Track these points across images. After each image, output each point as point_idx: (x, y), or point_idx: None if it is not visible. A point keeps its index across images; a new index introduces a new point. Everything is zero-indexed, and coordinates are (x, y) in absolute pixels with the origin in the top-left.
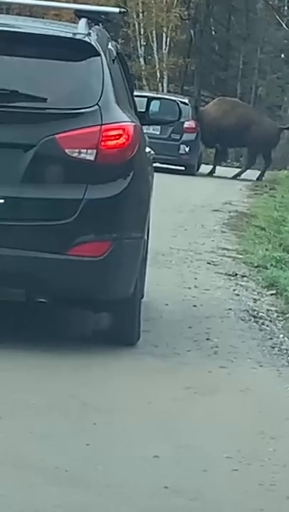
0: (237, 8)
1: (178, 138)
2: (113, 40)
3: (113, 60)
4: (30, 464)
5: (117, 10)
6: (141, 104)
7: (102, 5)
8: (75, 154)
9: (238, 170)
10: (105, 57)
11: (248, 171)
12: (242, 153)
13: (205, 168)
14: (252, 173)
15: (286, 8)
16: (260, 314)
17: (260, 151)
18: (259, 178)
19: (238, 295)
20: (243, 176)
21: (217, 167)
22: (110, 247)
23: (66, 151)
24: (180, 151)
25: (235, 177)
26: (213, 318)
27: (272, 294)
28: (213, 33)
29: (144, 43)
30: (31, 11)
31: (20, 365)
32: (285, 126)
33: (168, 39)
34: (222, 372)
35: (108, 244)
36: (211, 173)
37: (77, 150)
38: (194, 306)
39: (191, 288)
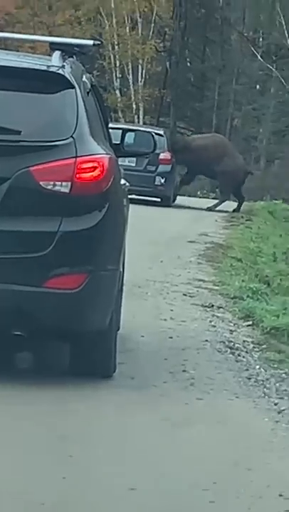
0: (212, 40)
1: (153, 169)
2: (88, 72)
3: (88, 93)
4: (7, 496)
5: (91, 42)
6: (116, 136)
7: (77, 37)
8: (50, 187)
9: (215, 201)
10: (80, 89)
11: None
12: (218, 185)
13: (181, 200)
14: (228, 204)
15: (261, 39)
16: (237, 345)
17: (229, 185)
18: (236, 210)
19: (214, 326)
20: (219, 208)
21: (193, 198)
22: (86, 279)
23: (41, 183)
24: (155, 183)
25: (210, 209)
26: (190, 350)
27: (248, 325)
28: (189, 64)
29: (120, 75)
30: (6, 44)
31: None
32: (252, 172)
33: (144, 71)
34: (198, 404)
35: (84, 276)
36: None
37: (52, 182)
38: (170, 337)
39: (167, 320)
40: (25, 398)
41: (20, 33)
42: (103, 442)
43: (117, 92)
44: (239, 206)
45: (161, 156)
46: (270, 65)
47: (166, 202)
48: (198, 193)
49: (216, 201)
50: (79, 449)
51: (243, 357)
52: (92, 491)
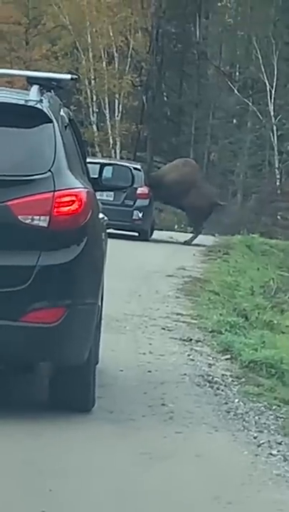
0: (189, 74)
1: (131, 204)
2: (65, 106)
3: (65, 127)
4: None
5: (68, 76)
6: (94, 171)
7: (54, 72)
8: (28, 221)
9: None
10: (57, 123)
11: (200, 235)
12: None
13: (158, 234)
14: (205, 238)
15: (237, 73)
16: (215, 379)
17: (199, 217)
18: (187, 242)
19: (192, 360)
20: (196, 242)
21: (171, 232)
22: (64, 314)
23: (19, 217)
24: (133, 217)
25: (186, 243)
26: (168, 384)
27: (227, 359)
28: (166, 99)
29: (97, 110)
30: None
31: None
32: (221, 203)
33: (120, 105)
34: (177, 438)
35: (62, 310)
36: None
37: (30, 217)
38: (149, 371)
39: (146, 353)
40: (1, 431)
41: None
42: (82, 476)
43: (94, 126)
44: (192, 238)
45: (139, 190)
46: (246, 99)
47: (144, 236)
48: (176, 226)
49: (191, 235)
50: (58, 483)
51: (222, 390)
52: None
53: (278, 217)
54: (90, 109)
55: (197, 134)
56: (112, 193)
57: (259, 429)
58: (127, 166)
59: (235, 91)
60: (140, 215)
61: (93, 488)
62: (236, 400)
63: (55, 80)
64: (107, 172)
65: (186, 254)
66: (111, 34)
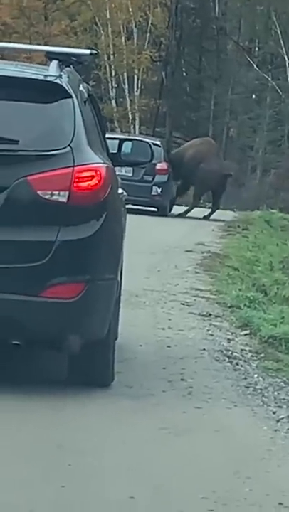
0: (208, 50)
1: (150, 179)
2: (84, 82)
3: (85, 102)
4: (5, 506)
5: (88, 52)
6: (113, 146)
7: (73, 47)
8: (48, 196)
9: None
10: (77, 98)
11: (219, 211)
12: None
13: (177, 209)
14: (224, 214)
15: (257, 49)
16: (235, 354)
17: (199, 191)
18: (206, 218)
19: (212, 335)
20: (215, 217)
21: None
22: (84, 289)
23: (39, 193)
24: (152, 193)
25: (181, 215)
26: (188, 359)
27: (246, 334)
28: (185, 74)
29: (116, 85)
30: (2, 54)
31: None
32: (228, 172)
33: (139, 81)
34: (197, 413)
35: (82, 285)
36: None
37: (49, 192)
38: (168, 346)
39: (165, 329)
40: (22, 407)
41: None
42: (101, 451)
43: (113, 102)
44: (210, 213)
45: (158, 166)
46: (265, 75)
47: (163, 212)
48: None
49: (186, 208)
50: (77, 459)
51: (241, 366)
52: (91, 500)
53: None
54: (109, 85)
55: (216, 110)
56: (130, 168)
57: (278, 405)
58: (147, 142)
59: (255, 66)
60: (159, 190)
61: (112, 464)
62: (255, 375)
63: (74, 55)
64: (127, 147)
65: (205, 229)
66: (130, 9)
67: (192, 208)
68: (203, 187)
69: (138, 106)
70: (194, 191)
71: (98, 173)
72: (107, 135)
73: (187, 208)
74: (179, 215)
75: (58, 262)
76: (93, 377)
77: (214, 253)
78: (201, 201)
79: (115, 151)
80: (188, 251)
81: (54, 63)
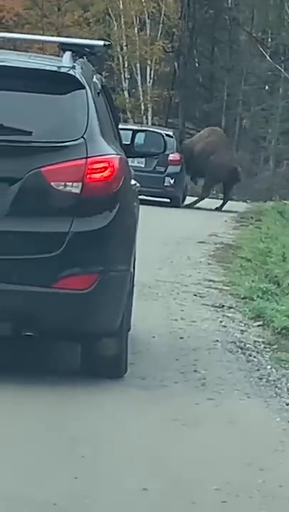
0: (220, 40)
1: (163, 170)
2: (98, 73)
3: (98, 93)
4: (19, 497)
5: (101, 43)
6: (126, 137)
7: (86, 38)
8: (61, 187)
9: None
10: (90, 90)
11: (232, 202)
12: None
13: (190, 201)
14: (237, 205)
15: (269, 39)
16: (248, 346)
17: (209, 183)
18: (218, 209)
19: (225, 327)
20: (228, 208)
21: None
22: (97, 280)
23: (52, 184)
24: (165, 184)
25: (189, 206)
26: (200, 350)
27: (259, 325)
28: (197, 65)
29: (128, 76)
30: (15, 45)
31: (8, 399)
32: (239, 169)
33: (152, 72)
34: (209, 404)
35: (95, 277)
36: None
37: (62, 183)
38: (181, 338)
39: (178, 320)
40: (36, 399)
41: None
42: (114, 442)
43: (126, 92)
44: (222, 205)
45: (171, 156)
46: (278, 66)
47: (176, 203)
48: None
49: (196, 199)
50: (90, 450)
51: (254, 357)
52: (104, 491)
53: None
54: (122, 76)
55: (229, 101)
56: (143, 159)
57: None
58: (159, 133)
59: (267, 57)
60: (172, 181)
61: (125, 455)
62: (268, 367)
63: (87, 46)
64: (140, 138)
65: (218, 220)
66: (143, 0)
67: (201, 200)
68: (214, 179)
69: (151, 97)
70: (204, 183)
71: (111, 164)
72: (120, 126)
73: (196, 198)
74: (187, 206)
75: (71, 254)
76: (106, 369)
77: (227, 244)
78: (214, 192)
79: (128, 142)
80: (200, 242)
81: (67, 54)
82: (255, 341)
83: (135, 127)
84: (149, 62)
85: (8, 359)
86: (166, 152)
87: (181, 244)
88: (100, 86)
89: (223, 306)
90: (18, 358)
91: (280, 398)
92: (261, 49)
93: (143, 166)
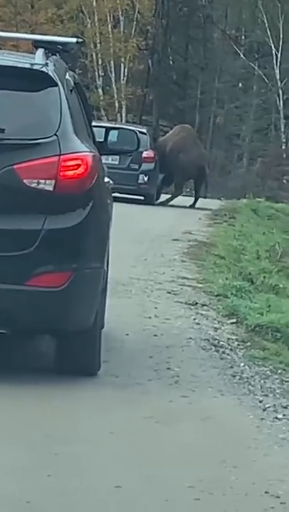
0: (194, 38)
1: (136, 168)
2: (71, 70)
3: (71, 90)
4: None
5: (74, 40)
6: (99, 135)
7: (59, 35)
8: (34, 185)
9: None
10: (63, 87)
11: (206, 199)
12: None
13: (164, 198)
14: (211, 203)
15: (243, 37)
16: (221, 343)
17: (180, 180)
18: (191, 206)
19: (198, 324)
20: (202, 206)
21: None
22: (70, 278)
23: (25, 181)
24: (139, 181)
25: (163, 204)
26: (174, 348)
27: (232, 323)
28: (171, 62)
29: (102, 73)
30: None
31: None
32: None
33: (126, 69)
34: (183, 402)
35: (68, 274)
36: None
37: (35, 180)
38: (155, 335)
39: (152, 317)
40: (9, 396)
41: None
42: (88, 440)
43: (100, 90)
44: (194, 202)
45: (145, 154)
46: (252, 63)
47: (150, 200)
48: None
49: (169, 196)
50: (64, 447)
51: (228, 354)
52: (77, 489)
53: (284, 181)
54: (96, 73)
55: (203, 98)
56: (117, 156)
57: (265, 393)
58: (133, 130)
59: (241, 55)
60: (146, 178)
61: (99, 452)
62: (242, 364)
63: (60, 43)
64: (113, 136)
65: (192, 218)
66: None
67: (174, 197)
68: (183, 176)
69: (125, 94)
70: (175, 181)
71: (84, 161)
72: (93, 123)
73: (170, 196)
74: (161, 204)
75: (44, 251)
76: (80, 367)
77: (201, 242)
78: (188, 190)
79: (102, 140)
80: (175, 240)
81: (40, 51)
82: (228, 339)
83: (109, 125)
84: (123, 60)
85: None
86: (140, 149)
87: (155, 241)
88: (72, 83)
89: (196, 303)
90: None
91: (253, 396)
92: (235, 47)
93: (117, 163)
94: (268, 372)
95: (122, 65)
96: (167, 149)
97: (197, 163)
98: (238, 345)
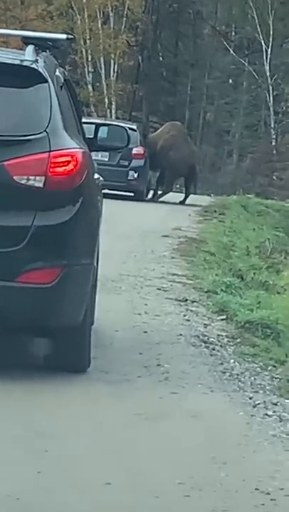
0: (184, 34)
1: (126, 164)
2: (61, 66)
3: (61, 87)
4: None
5: (64, 36)
6: (89, 131)
7: (49, 32)
8: (24, 181)
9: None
10: (53, 83)
11: (196, 196)
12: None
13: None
14: (201, 199)
15: (233, 33)
16: (211, 339)
17: (170, 178)
18: (181, 202)
19: (188, 320)
20: (192, 202)
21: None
22: (60, 274)
23: (15, 178)
24: (129, 177)
25: (153, 200)
26: (164, 344)
27: (222, 319)
28: (161, 59)
29: (92, 70)
30: None
31: None
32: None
33: (116, 65)
34: (173, 398)
35: (58, 271)
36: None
37: (25, 177)
38: (145, 332)
39: (142, 314)
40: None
41: None
42: (78, 437)
43: (90, 86)
44: (184, 199)
45: (134, 150)
46: (242, 59)
47: (139, 196)
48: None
49: (160, 193)
50: (54, 444)
51: (218, 351)
52: (67, 486)
53: (274, 177)
54: (86, 69)
55: (193, 94)
56: (107, 153)
57: (255, 390)
58: (123, 126)
59: (231, 51)
60: (135, 175)
61: (89, 449)
62: (232, 361)
63: (50, 39)
64: (103, 132)
65: (182, 214)
66: None
67: (164, 194)
68: (173, 174)
69: (114, 90)
70: (165, 178)
71: (74, 158)
72: (83, 120)
73: (160, 193)
74: (152, 200)
75: (34, 247)
76: (69, 363)
77: (191, 238)
78: (178, 186)
79: (92, 136)
80: (164, 236)
81: (30, 48)
82: (218, 335)
83: (98, 121)
84: (112, 56)
85: None
86: (130, 146)
87: (144, 238)
88: (62, 80)
89: (186, 300)
90: None
91: (243, 392)
92: (225, 43)
93: (107, 159)
94: (258, 368)
95: (112, 61)
96: (158, 147)
97: (187, 161)
98: (228, 341)
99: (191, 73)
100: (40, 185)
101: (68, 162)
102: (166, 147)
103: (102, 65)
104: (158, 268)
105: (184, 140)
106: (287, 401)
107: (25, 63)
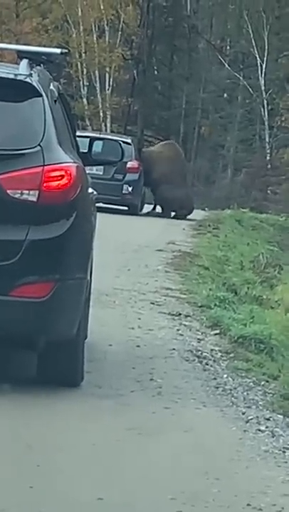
0: (179, 48)
1: (121, 178)
2: (55, 80)
3: (55, 101)
4: None
5: (58, 51)
6: (83, 145)
7: (44, 45)
8: (18, 195)
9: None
10: (47, 97)
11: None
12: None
13: (148, 208)
14: (195, 213)
15: (228, 47)
16: (204, 354)
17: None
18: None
19: (181, 335)
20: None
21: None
22: (53, 288)
23: (8, 192)
24: (123, 191)
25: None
26: (157, 359)
27: (216, 334)
28: (156, 72)
29: (87, 83)
30: None
31: None
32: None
33: (111, 79)
34: (166, 413)
35: (51, 285)
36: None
37: (19, 191)
38: (138, 346)
39: (135, 328)
40: None
41: None
42: (70, 452)
43: (84, 100)
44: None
45: (129, 164)
46: (237, 74)
47: (134, 210)
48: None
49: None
50: (46, 459)
51: (211, 366)
52: (59, 501)
53: (268, 191)
54: (81, 83)
55: (188, 108)
56: (101, 167)
57: (247, 405)
58: (117, 140)
59: (226, 65)
60: (130, 189)
61: (81, 464)
62: (225, 376)
63: (44, 54)
64: (97, 146)
65: (176, 228)
66: (102, 7)
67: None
68: (168, 208)
69: (109, 104)
70: (162, 210)
71: (68, 172)
72: (78, 133)
73: (157, 212)
74: (147, 214)
75: (27, 262)
76: (62, 377)
77: (185, 252)
78: None
79: (86, 150)
80: (158, 250)
81: (24, 62)
82: (212, 350)
83: (92, 135)
84: (108, 70)
85: None
86: (124, 160)
87: (138, 252)
88: (57, 94)
89: (180, 314)
90: None
91: (236, 407)
92: (220, 57)
93: (101, 173)
94: (251, 383)
95: (107, 75)
96: (154, 175)
97: (184, 203)
98: (222, 356)
99: (186, 87)
100: (34, 199)
101: (62, 176)
102: (162, 178)
103: (97, 79)
104: (152, 282)
105: (181, 173)
106: (279, 416)
107: (19, 77)
